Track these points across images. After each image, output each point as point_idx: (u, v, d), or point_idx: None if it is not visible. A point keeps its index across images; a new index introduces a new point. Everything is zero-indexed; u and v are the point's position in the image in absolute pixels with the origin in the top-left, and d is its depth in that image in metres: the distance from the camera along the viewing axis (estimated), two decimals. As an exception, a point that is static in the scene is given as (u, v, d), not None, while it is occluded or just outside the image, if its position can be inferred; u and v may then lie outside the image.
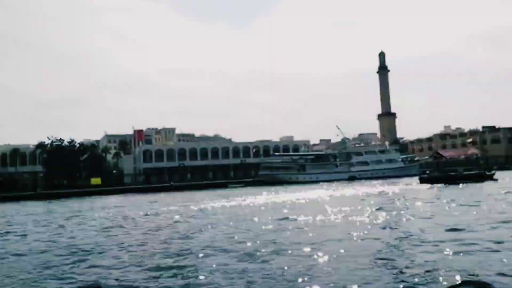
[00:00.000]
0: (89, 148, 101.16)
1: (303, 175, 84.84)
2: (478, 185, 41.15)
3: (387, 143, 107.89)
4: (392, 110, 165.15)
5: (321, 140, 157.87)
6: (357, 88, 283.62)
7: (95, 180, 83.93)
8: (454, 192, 33.90)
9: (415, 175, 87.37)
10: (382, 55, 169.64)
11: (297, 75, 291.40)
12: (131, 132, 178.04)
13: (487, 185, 40.54)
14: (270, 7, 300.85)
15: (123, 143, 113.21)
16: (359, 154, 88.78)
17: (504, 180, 46.32)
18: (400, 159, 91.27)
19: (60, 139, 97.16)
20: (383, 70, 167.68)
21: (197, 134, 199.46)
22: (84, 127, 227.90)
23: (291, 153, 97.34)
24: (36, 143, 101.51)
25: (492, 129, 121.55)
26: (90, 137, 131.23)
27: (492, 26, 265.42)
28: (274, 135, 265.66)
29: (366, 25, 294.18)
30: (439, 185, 44.04)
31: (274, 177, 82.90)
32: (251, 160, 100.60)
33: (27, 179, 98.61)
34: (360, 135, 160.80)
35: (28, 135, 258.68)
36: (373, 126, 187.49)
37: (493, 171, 50.51)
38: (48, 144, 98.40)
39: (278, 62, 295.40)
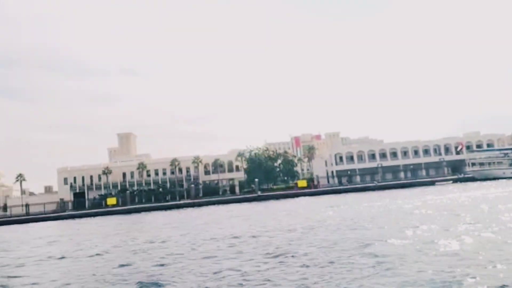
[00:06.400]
0: (282, 155, 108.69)
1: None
2: None
3: None
4: None
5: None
6: None
7: (301, 183, 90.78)
8: None
9: None
10: None
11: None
12: (287, 139, 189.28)
13: None
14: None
15: (310, 149, 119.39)
16: None
17: None
18: None
19: (258, 147, 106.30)
20: None
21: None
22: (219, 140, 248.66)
23: (498, 147, 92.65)
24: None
25: None
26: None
27: None
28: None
29: None
30: None
31: (484, 173, 79.93)
32: (449, 157, 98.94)
33: (225, 186, 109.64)
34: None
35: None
36: None
37: None
38: (243, 153, 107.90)
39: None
